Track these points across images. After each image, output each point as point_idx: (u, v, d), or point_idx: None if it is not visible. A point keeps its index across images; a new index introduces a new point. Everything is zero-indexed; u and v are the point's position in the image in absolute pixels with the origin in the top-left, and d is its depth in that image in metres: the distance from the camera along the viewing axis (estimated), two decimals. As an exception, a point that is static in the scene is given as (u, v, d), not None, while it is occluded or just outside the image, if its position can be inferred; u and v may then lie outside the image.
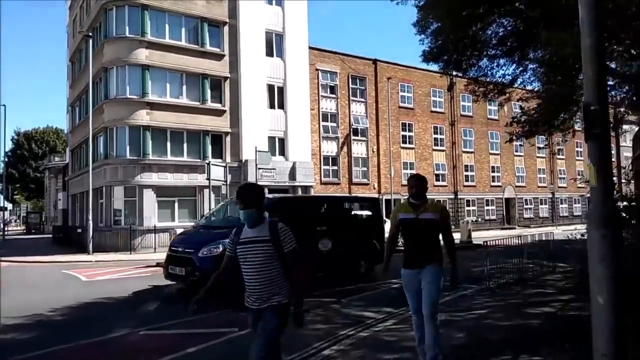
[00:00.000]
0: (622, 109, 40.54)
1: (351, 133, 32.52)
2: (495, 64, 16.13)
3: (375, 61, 34.17)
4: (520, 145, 43.11)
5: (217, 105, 26.81)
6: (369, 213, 14.27)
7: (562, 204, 46.33)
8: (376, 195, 33.23)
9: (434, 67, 15.85)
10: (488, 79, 16.41)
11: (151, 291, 11.48)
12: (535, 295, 9.30)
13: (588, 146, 3.65)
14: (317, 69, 31.07)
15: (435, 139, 37.48)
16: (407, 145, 35.69)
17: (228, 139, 26.93)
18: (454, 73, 15.87)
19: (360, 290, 10.73)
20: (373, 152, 33.69)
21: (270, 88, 28.67)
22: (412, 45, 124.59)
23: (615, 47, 18.57)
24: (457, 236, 25.22)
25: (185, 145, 25.82)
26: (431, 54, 14.65)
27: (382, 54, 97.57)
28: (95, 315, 8.90)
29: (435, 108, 37.68)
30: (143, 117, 24.66)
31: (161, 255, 17.29)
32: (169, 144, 25.41)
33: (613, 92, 21.15)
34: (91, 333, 7.29)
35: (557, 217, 43.96)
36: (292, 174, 28.40)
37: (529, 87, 17.24)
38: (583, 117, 3.41)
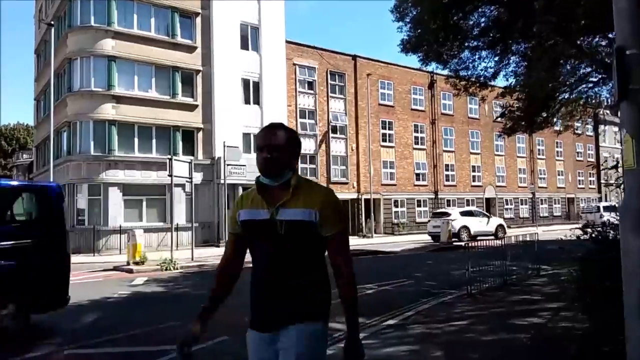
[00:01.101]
0: (602, 109, 40.34)
1: (330, 131, 31.58)
2: (477, 56, 15.36)
3: (355, 57, 33.29)
4: (501, 144, 42.75)
5: (189, 100, 25.64)
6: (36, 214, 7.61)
7: (542, 204, 46.10)
8: (355, 195, 32.39)
9: (413, 58, 14.95)
10: (469, 72, 15.63)
11: (97, 300, 10.32)
12: (520, 302, 8.44)
13: (622, 111, 2.62)
14: (294, 64, 30.06)
15: (416, 138, 36.76)
16: (387, 144, 34.89)
17: (200, 135, 25.76)
18: (434, 65, 14.95)
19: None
20: (352, 150, 32.81)
21: (245, 83, 27.58)
22: (393, 42, 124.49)
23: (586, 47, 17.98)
24: (429, 237, 24.64)
25: (154, 141, 24.59)
26: (410, 44, 13.79)
27: (362, 50, 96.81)
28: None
29: (416, 106, 36.96)
30: (109, 111, 23.37)
31: (125, 258, 16.15)
32: (136, 139, 24.16)
33: (595, 89, 20.70)
34: (6, 353, 6.18)
35: (537, 218, 43.64)
36: (268, 172, 27.32)
37: (511, 81, 16.36)
38: (616, 66, 2.44)
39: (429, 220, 28.65)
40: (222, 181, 25.14)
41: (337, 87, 32.36)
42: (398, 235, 32.79)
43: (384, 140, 34.72)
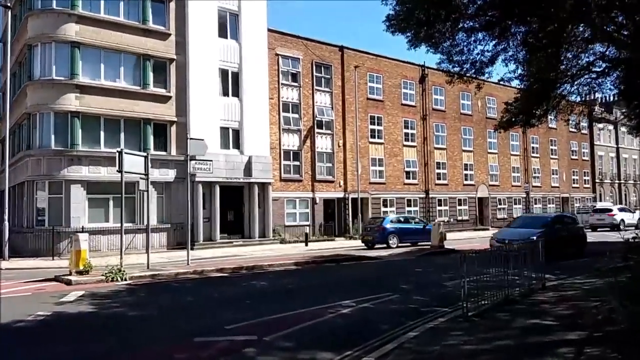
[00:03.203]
0: (596, 106, 38.78)
1: (315, 125, 29.81)
2: (472, 39, 13.70)
3: (342, 48, 31.53)
4: (494, 142, 41.23)
5: (161, 91, 23.77)
6: None
7: (536, 203, 44.66)
8: (342, 194, 30.70)
9: (403, 47, 13.19)
10: (464, 57, 13.97)
11: None
12: (530, 330, 6.74)
13: None
14: (277, 54, 28.24)
15: (406, 134, 35.09)
16: (376, 140, 33.19)
17: (173, 128, 23.91)
18: (424, 48, 13.24)
19: (296, 319, 7.95)
20: (339, 146, 31.07)
21: (224, 73, 25.73)
22: (382, 34, 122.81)
23: (605, 27, 16.38)
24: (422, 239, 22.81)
25: (122, 135, 22.69)
26: (397, 20, 12.06)
27: (350, 41, 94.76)
28: None
29: (406, 101, 35.28)
30: (72, 102, 21.45)
31: (93, 263, 14.30)
32: (102, 133, 22.27)
33: (599, 80, 19.12)
34: None
35: (531, 218, 42.17)
36: (248, 170, 25.56)
37: (511, 67, 14.69)
38: None
39: (591, 215, 35.05)
40: (196, 178, 23.42)
41: (322, 79, 30.58)
42: (387, 236, 31.07)
43: (373, 136, 33.02)
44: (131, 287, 11.33)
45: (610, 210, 33.91)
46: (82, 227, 20.70)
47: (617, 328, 6.26)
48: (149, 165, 13.78)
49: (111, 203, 22.25)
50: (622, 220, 32.31)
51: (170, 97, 23.88)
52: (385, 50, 52.39)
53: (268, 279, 12.70)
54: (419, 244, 22.80)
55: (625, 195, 55.34)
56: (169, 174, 23.42)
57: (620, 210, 34.66)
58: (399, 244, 22.69)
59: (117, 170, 12.86)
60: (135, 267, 14.08)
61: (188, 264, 14.17)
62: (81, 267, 12.19)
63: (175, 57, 24.11)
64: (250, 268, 14.18)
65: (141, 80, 23.29)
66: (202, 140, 14.41)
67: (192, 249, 23.01)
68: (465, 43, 13.47)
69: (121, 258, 12.81)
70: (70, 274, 12.22)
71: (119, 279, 11.97)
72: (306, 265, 15.55)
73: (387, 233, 23.13)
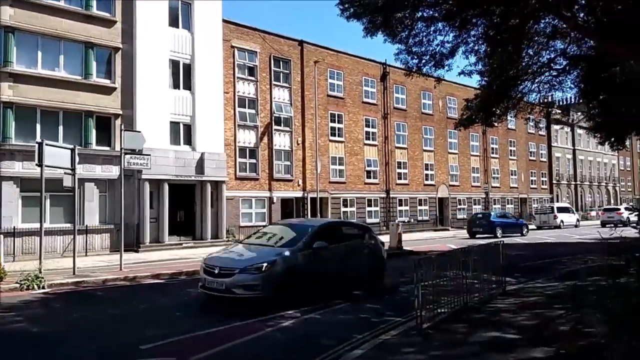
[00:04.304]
0: (555, 108, 39.17)
1: (273, 122, 28.71)
2: (432, 29, 12.97)
3: (301, 42, 30.54)
4: (455, 142, 41.17)
5: (105, 82, 22.16)
6: None
7: (495, 204, 44.90)
8: (300, 194, 29.71)
9: (366, 44, 12.29)
10: (423, 49, 13.22)
11: None
12: (491, 345, 5.93)
13: None
14: (232, 47, 26.98)
15: (367, 133, 34.42)
16: (336, 138, 32.36)
17: (118, 122, 22.28)
18: (382, 37, 12.39)
19: (228, 335, 6.87)
20: (298, 144, 30.07)
21: (175, 64, 24.31)
22: (343, 29, 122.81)
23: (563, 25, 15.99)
24: (385, 239, 21.92)
25: (61, 128, 21.00)
26: (351, 4, 11.17)
27: (310, 36, 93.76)
28: None
29: (367, 99, 34.61)
30: (4, 91, 19.65)
31: (22, 266, 12.89)
32: (38, 126, 20.53)
33: (560, 78, 18.84)
34: None
35: (490, 218, 42.32)
36: (200, 167, 24.22)
37: (472, 59, 14.06)
38: None
39: (603, 213, 39.46)
40: (142, 176, 21.97)
41: (281, 74, 29.50)
42: (346, 236, 30.28)
43: (333, 134, 32.18)
44: (47, 297, 9.97)
45: (619, 209, 40.05)
46: (14, 228, 19.08)
47: (586, 342, 5.52)
48: (76, 159, 12.42)
49: (48, 202, 20.51)
50: (562, 220, 37.41)
51: (115, 89, 22.31)
52: (349, 48, 51.95)
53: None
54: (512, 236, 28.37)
55: (581, 196, 56.58)
56: (113, 171, 21.83)
57: (560, 210, 38.57)
58: (503, 235, 27.36)
59: (36, 164, 11.49)
60: (61, 272, 12.67)
61: (121, 269, 12.83)
62: (-7, 274, 10.75)
63: (121, 46, 22.55)
64: (190, 273, 12.96)
65: (83, 70, 21.63)
66: (139, 132, 13.16)
67: (137, 251, 21.67)
68: (424, 33, 12.72)
69: (40, 263, 11.43)
70: (-19, 282, 10.77)
71: (35, 286, 10.58)
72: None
73: (494, 225, 28.85)
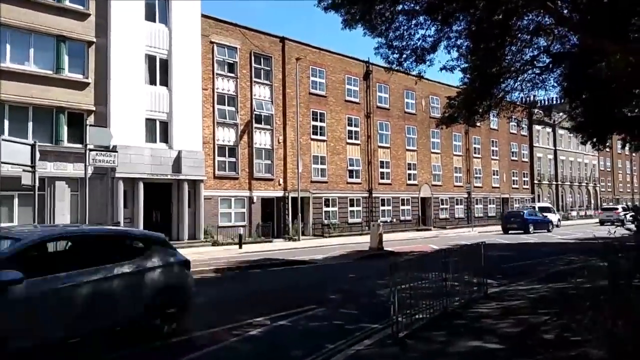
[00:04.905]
0: (536, 108, 39.27)
1: (253, 120, 28.12)
2: (413, 23, 12.56)
3: (283, 39, 29.99)
4: (438, 142, 41.02)
5: (78, 76, 21.39)
6: None
7: (477, 204, 44.88)
8: (281, 193, 29.18)
9: (350, 45, 11.82)
10: (404, 43, 12.81)
11: None
12: (472, 357, 5.49)
13: None
14: (212, 42, 26.33)
15: (350, 132, 34.00)
16: (318, 137, 31.89)
17: (91, 119, 21.54)
18: (362, 30, 11.95)
19: (188, 346, 6.32)
20: (279, 143, 29.52)
21: (151, 60, 23.60)
22: (325, 27, 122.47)
23: (547, 19, 15.73)
24: (362, 240, 21.62)
25: (30, 124, 20.19)
26: (330, -6, 10.71)
27: (292, 34, 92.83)
28: None
29: (350, 97, 34.20)
30: (-31, 85, 18.80)
31: None
32: (6, 122, 19.70)
33: (542, 76, 18.61)
34: None
35: (472, 218, 42.29)
36: (177, 165, 23.55)
37: (454, 54, 13.67)
38: None
39: (601, 212, 42.91)
40: (116, 175, 21.26)
41: (262, 71, 28.93)
42: (328, 237, 29.90)
43: (315, 133, 31.70)
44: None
45: (617, 209, 42.71)
46: (-22, 228, 18.18)
47: (575, 353, 5.12)
48: (37, 155, 11.73)
49: (16, 201, 19.73)
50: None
51: (88, 84, 21.55)
52: (331, 47, 51.32)
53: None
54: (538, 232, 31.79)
55: (562, 196, 56.96)
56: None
57: (541, 210, 38.59)
58: (534, 231, 31.35)
59: (-8, 160, 10.79)
60: None
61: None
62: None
63: (95, 39, 21.79)
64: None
65: (55, 64, 20.85)
66: (106, 128, 12.54)
67: (110, 252, 20.93)
68: (405, 27, 12.31)
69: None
70: None
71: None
72: (228, 271, 13.91)
73: (527, 222, 31.82)
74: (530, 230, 31.40)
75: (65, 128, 20.98)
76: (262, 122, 28.75)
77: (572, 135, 53.67)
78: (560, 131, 56.01)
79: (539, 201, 49.31)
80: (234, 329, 7.02)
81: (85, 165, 12.09)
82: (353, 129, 34.25)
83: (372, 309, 8.52)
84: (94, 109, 21.55)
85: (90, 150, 12.09)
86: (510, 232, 31.68)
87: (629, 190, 72.84)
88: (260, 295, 10.20)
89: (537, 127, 52.60)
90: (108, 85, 21.92)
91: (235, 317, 7.66)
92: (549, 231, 33.04)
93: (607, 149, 51.92)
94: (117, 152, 13.30)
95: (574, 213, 54.66)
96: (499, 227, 40.37)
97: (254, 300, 9.61)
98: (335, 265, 15.93)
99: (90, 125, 12.05)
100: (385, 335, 6.40)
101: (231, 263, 15.39)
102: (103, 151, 12.54)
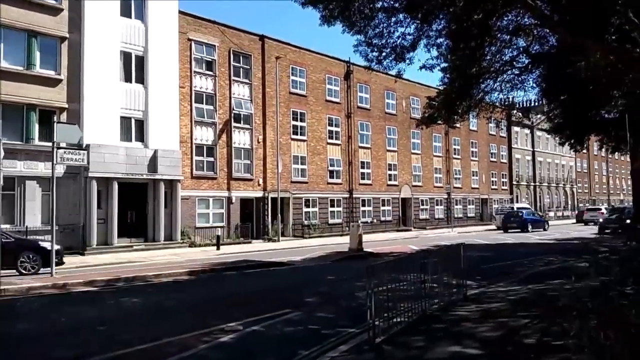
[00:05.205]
0: (515, 110, 39.62)
1: (232, 119, 27.70)
2: (393, 20, 12.37)
3: (262, 37, 29.63)
4: (418, 142, 41.08)
5: (50, 73, 20.77)
6: None
7: (456, 204, 45.08)
8: (261, 194, 28.79)
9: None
10: (384, 41, 12.61)
11: None
12: (451, 362, 5.28)
13: None
14: (189, 39, 25.84)
15: (330, 132, 33.78)
16: (299, 137, 31.60)
17: (64, 116, 20.92)
18: (340, 26, 11.70)
19: (154, 355, 5.98)
20: (258, 142, 29.15)
21: (126, 56, 23.04)
22: (306, 26, 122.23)
23: (527, 19, 15.72)
24: (342, 241, 21.31)
25: (-1, 122, 19.51)
26: (307, -11, 10.45)
27: (273, 32, 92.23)
28: None
29: (331, 97, 33.99)
30: None
31: None
32: (-26, 119, 18.99)
33: (522, 77, 18.64)
34: None
35: (452, 219, 42.44)
36: (153, 165, 23.01)
37: (434, 53, 13.57)
38: None
39: (585, 212, 44.21)
40: (89, 174, 20.67)
41: (241, 70, 28.52)
42: (308, 238, 29.63)
43: (295, 132, 31.41)
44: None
45: (600, 209, 43.95)
46: (-57, 230, 17.43)
47: (557, 359, 4.94)
48: (1, 153, 11.18)
49: (-17, 201, 18.96)
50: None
51: (60, 81, 20.92)
52: (312, 46, 51.07)
53: (145, 294, 10.46)
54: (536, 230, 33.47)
55: (540, 196, 57.63)
56: (58, 168, 20.24)
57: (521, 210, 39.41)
58: (532, 230, 33.42)
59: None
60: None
61: (52, 275, 11.68)
62: None
63: (67, 35, 21.16)
64: (129, 280, 11.93)
65: (25, 60, 20.19)
66: (74, 125, 12.09)
67: (82, 254, 20.32)
68: (385, 25, 12.10)
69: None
70: None
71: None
72: (202, 274, 13.50)
73: (526, 222, 33.90)
74: (529, 228, 33.31)
75: (37, 126, 20.34)
76: (242, 122, 28.35)
77: (550, 136, 54.43)
78: (538, 133, 56.70)
79: (517, 202, 49.77)
80: (204, 335, 6.68)
81: (53, 163, 11.59)
82: (334, 129, 34.04)
83: (350, 312, 8.27)
84: (66, 106, 20.92)
85: (59, 148, 11.60)
86: (509, 230, 33.37)
87: (604, 192, 74.14)
88: (234, 299, 9.85)
89: (515, 128, 53.13)
90: (81, 82, 21.32)
91: (207, 322, 7.32)
92: (544, 230, 34.78)
93: (584, 151, 52.73)
94: (86, 150, 12.83)
95: (551, 214, 55.34)
96: (479, 228, 40.78)
97: (227, 304, 9.29)
98: (313, 266, 15.65)
99: (58, 123, 11.54)
100: (362, 341, 6.15)
101: (206, 265, 14.98)
102: (72, 149, 12.07)
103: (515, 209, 38.40)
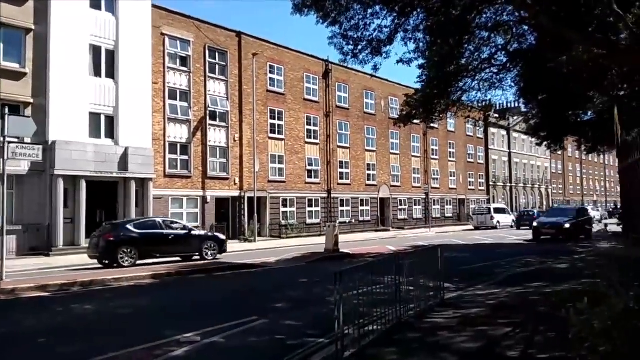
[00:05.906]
0: (492, 111, 39.69)
1: (207, 116, 27.01)
2: (369, 12, 11.93)
3: (239, 34, 28.99)
4: (397, 142, 40.87)
5: (14, 66, 19.85)
6: None
7: (434, 204, 45.05)
8: (237, 193, 28.15)
9: (310, 41, 11.01)
10: (360, 34, 12.16)
11: None
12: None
13: None
14: (163, 34, 25.07)
15: (308, 131, 33.30)
16: (276, 136, 31.03)
17: (29, 111, 19.99)
18: (315, 17, 11.20)
19: None
20: (235, 141, 28.51)
21: (96, 50, 22.21)
22: (286, 25, 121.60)
23: (505, 16, 15.46)
24: (320, 241, 20.79)
25: (-42, 116, 18.47)
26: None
27: (250, 29, 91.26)
28: None
29: (309, 96, 33.51)
30: None
31: None
32: None
33: (500, 76, 18.43)
34: None
35: (430, 219, 42.35)
36: (124, 163, 22.20)
37: (411, 46, 13.15)
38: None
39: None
40: (55, 172, 19.81)
41: (217, 66, 27.84)
42: (286, 238, 29.11)
43: (273, 131, 30.83)
44: None
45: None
46: None
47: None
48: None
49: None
50: (498, 221, 38.96)
51: (25, 74, 20.01)
52: (291, 45, 50.45)
53: (100, 300, 9.76)
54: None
55: (516, 197, 58.08)
56: (22, 166, 19.49)
57: (496, 211, 40.34)
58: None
59: None
60: None
61: (2, 279, 10.92)
62: None
63: (33, 27, 20.26)
64: (86, 284, 11.24)
65: (-13, 52, 19.23)
66: (28, 117, 11.35)
67: (48, 255, 19.46)
68: (360, 16, 11.67)
69: None
70: None
71: None
72: (167, 277, 12.85)
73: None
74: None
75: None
76: (217, 119, 27.68)
77: (526, 138, 54.92)
78: (515, 134, 57.16)
79: (494, 202, 50.01)
80: (156, 347, 6.10)
81: (4, 159, 10.80)
82: (312, 128, 33.57)
83: (320, 319, 7.76)
84: (31, 101, 20.02)
85: (10, 142, 10.85)
86: (521, 228, 35.31)
87: (578, 192, 75.21)
88: (196, 305, 9.24)
89: (492, 130, 53.40)
90: (47, 76, 20.44)
91: (162, 332, 6.73)
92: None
93: (559, 153, 53.26)
94: (40, 145, 12.05)
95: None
96: (457, 228, 40.76)
97: (187, 312, 8.70)
98: (287, 268, 15.11)
99: (8, 115, 10.73)
100: (329, 354, 5.66)
101: (173, 268, 14.32)
102: (25, 144, 11.33)
103: (527, 211, 42.65)
